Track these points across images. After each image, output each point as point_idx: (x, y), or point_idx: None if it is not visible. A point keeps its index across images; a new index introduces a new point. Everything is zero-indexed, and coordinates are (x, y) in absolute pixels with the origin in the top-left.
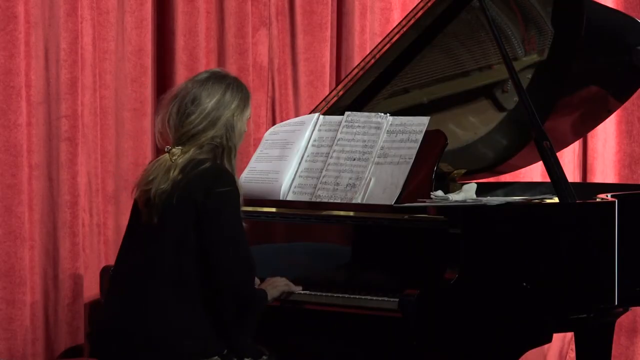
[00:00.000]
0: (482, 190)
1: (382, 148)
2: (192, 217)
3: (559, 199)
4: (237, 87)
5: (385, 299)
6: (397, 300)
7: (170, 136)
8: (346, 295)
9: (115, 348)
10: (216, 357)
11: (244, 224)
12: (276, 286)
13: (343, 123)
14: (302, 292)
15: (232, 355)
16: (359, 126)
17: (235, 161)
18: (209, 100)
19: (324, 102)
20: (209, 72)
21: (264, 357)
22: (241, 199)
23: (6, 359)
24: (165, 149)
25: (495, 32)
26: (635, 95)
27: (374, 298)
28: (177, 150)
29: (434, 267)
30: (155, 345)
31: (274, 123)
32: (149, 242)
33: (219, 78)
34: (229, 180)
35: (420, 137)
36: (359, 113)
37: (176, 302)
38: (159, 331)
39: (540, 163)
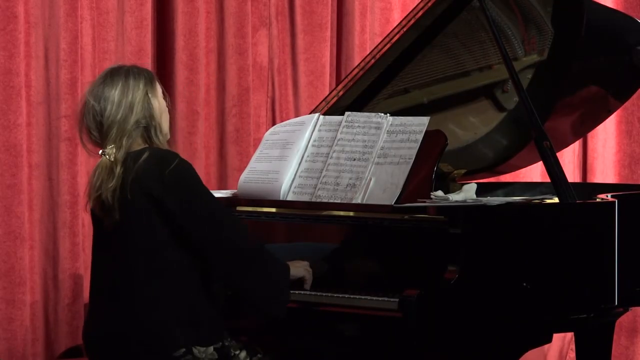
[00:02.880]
0: (482, 190)
1: (382, 148)
2: (152, 208)
3: (559, 199)
4: (136, 71)
5: (386, 299)
6: (397, 300)
7: (97, 141)
8: (346, 295)
9: (109, 352)
10: (211, 347)
11: (207, 189)
12: (298, 267)
13: (343, 123)
14: (302, 292)
15: (230, 348)
16: (359, 126)
17: (165, 136)
18: (114, 91)
19: (324, 102)
20: (104, 71)
21: (259, 356)
22: (192, 166)
23: (6, 359)
24: (100, 153)
25: (496, 32)
26: (635, 95)
27: (374, 298)
28: (110, 149)
29: (434, 267)
30: (148, 341)
31: (274, 123)
32: (119, 244)
33: (114, 71)
34: (171, 156)
35: (420, 137)
36: (359, 113)
37: (161, 294)
38: (150, 326)
39: (540, 163)
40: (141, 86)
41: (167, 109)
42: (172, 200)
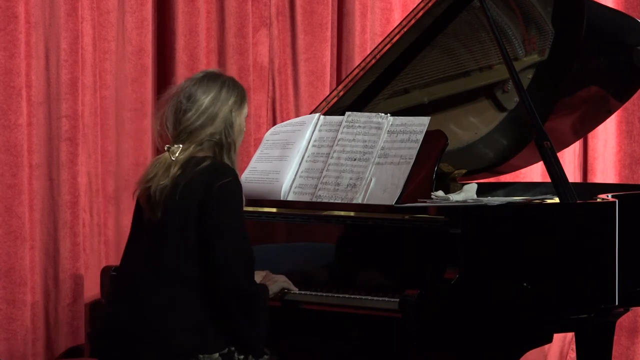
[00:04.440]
0: (482, 190)
1: (382, 148)
2: (194, 215)
3: (560, 199)
4: (232, 84)
5: (386, 299)
6: (397, 300)
7: (169, 135)
8: (346, 295)
9: (116, 347)
10: (217, 354)
11: (243, 217)
12: (276, 281)
13: (344, 123)
14: (302, 292)
15: (235, 353)
16: (359, 126)
17: (236, 157)
18: (205, 97)
19: (324, 102)
20: (204, 72)
21: (266, 357)
22: (242, 191)
23: (6, 359)
24: (165, 148)
25: (496, 32)
26: (635, 95)
27: (374, 298)
28: (176, 148)
29: (435, 267)
30: (155, 342)
31: (274, 123)
32: (152, 241)
33: (214, 76)
34: (229, 172)
35: (420, 137)
36: (359, 113)
37: (176, 299)
38: (158, 328)
39: (541, 163)
40: (230, 102)
41: (243, 131)
42: (210, 212)
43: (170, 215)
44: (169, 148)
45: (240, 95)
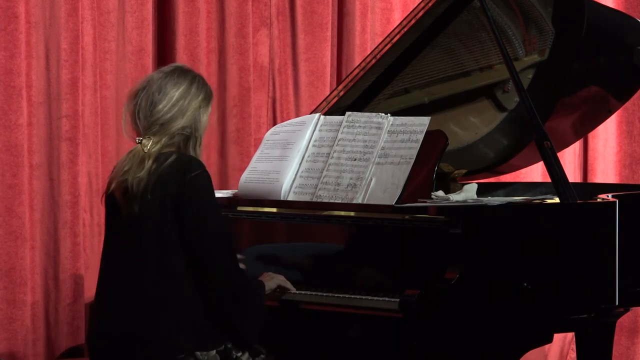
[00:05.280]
0: (482, 190)
1: (383, 148)
2: (168, 211)
3: (560, 199)
4: (202, 82)
5: (386, 299)
6: (397, 300)
7: (140, 127)
8: (346, 295)
9: (113, 349)
10: (214, 351)
11: (219, 208)
12: (272, 278)
13: (344, 123)
14: (302, 292)
15: (232, 350)
16: (359, 126)
17: (200, 151)
18: (176, 90)
19: (324, 102)
20: (174, 66)
21: (262, 356)
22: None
23: (7, 359)
24: (137, 140)
25: (496, 32)
26: (635, 95)
27: (374, 298)
28: (147, 141)
29: (435, 267)
30: (151, 344)
31: (274, 123)
32: (132, 240)
33: (183, 71)
34: (197, 165)
35: (421, 137)
36: (359, 113)
37: (167, 297)
38: (153, 329)
39: (541, 163)
40: (200, 98)
41: (205, 128)
42: (186, 209)
43: (147, 209)
44: (140, 140)
45: (209, 94)
